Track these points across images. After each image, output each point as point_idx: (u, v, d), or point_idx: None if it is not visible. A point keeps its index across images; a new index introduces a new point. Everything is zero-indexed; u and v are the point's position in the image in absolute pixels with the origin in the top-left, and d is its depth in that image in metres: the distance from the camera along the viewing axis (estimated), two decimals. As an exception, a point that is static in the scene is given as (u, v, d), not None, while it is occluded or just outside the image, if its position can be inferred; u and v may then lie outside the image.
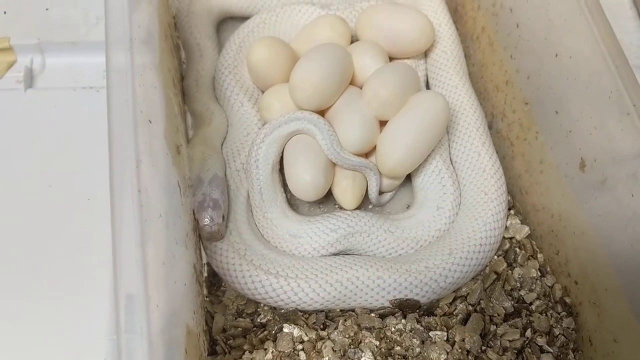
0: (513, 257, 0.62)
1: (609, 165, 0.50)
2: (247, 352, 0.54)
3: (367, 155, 0.64)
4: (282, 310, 0.58)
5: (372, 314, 0.57)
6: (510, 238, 0.63)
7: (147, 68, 0.50)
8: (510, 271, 0.61)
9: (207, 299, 0.59)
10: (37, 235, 0.63)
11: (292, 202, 0.65)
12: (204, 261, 0.61)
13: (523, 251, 0.62)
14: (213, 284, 0.61)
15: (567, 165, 0.56)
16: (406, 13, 0.68)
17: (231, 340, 0.56)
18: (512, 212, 0.65)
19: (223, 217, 0.58)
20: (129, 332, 0.39)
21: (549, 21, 0.56)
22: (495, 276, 0.61)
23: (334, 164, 0.62)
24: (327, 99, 0.62)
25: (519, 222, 0.64)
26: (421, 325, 0.55)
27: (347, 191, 0.62)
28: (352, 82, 0.65)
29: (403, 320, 0.56)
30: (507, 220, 0.64)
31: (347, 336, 0.54)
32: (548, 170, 0.59)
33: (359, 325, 0.55)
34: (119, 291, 0.40)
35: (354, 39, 0.71)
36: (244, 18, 0.75)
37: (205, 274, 0.61)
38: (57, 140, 0.68)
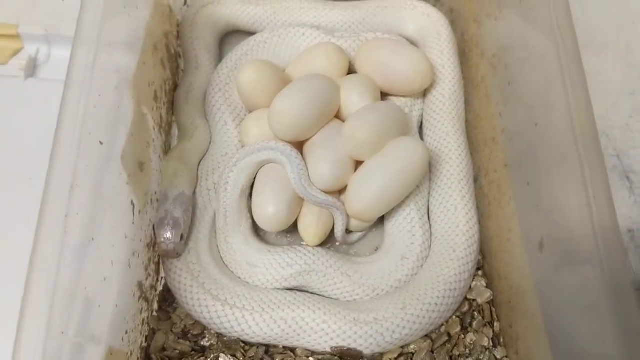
0: (469, 321, 0.60)
1: (564, 254, 0.48)
2: (178, 376, 0.55)
3: (340, 192, 0.63)
4: (226, 338, 0.58)
5: (311, 359, 0.57)
6: (472, 300, 0.61)
7: (109, 88, 0.50)
8: (463, 335, 0.59)
9: (156, 314, 0.60)
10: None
11: (261, 228, 0.64)
12: (162, 275, 0.62)
13: (480, 317, 0.60)
14: (166, 299, 0.61)
15: (529, 241, 0.53)
16: (406, 51, 0.66)
17: (166, 361, 0.56)
18: (480, 273, 0.63)
19: (182, 236, 0.59)
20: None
21: (534, 89, 0.53)
22: (446, 338, 0.59)
23: (302, 198, 0.61)
24: (303, 131, 0.61)
25: (484, 285, 0.62)
26: (357, 379, 0.55)
27: (310, 227, 0.61)
28: (337, 115, 0.64)
29: (341, 370, 0.55)
30: (472, 281, 0.62)
31: (280, 376, 0.54)
32: (514, 240, 0.56)
33: (295, 367, 0.55)
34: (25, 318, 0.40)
35: (352, 69, 0.69)
36: (251, 33, 0.74)
37: (161, 288, 0.62)
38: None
